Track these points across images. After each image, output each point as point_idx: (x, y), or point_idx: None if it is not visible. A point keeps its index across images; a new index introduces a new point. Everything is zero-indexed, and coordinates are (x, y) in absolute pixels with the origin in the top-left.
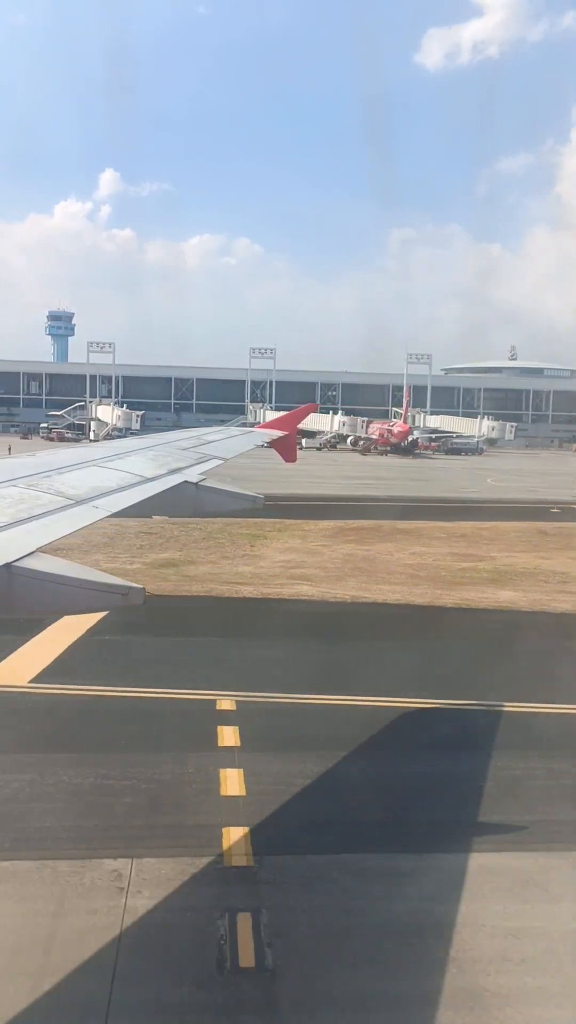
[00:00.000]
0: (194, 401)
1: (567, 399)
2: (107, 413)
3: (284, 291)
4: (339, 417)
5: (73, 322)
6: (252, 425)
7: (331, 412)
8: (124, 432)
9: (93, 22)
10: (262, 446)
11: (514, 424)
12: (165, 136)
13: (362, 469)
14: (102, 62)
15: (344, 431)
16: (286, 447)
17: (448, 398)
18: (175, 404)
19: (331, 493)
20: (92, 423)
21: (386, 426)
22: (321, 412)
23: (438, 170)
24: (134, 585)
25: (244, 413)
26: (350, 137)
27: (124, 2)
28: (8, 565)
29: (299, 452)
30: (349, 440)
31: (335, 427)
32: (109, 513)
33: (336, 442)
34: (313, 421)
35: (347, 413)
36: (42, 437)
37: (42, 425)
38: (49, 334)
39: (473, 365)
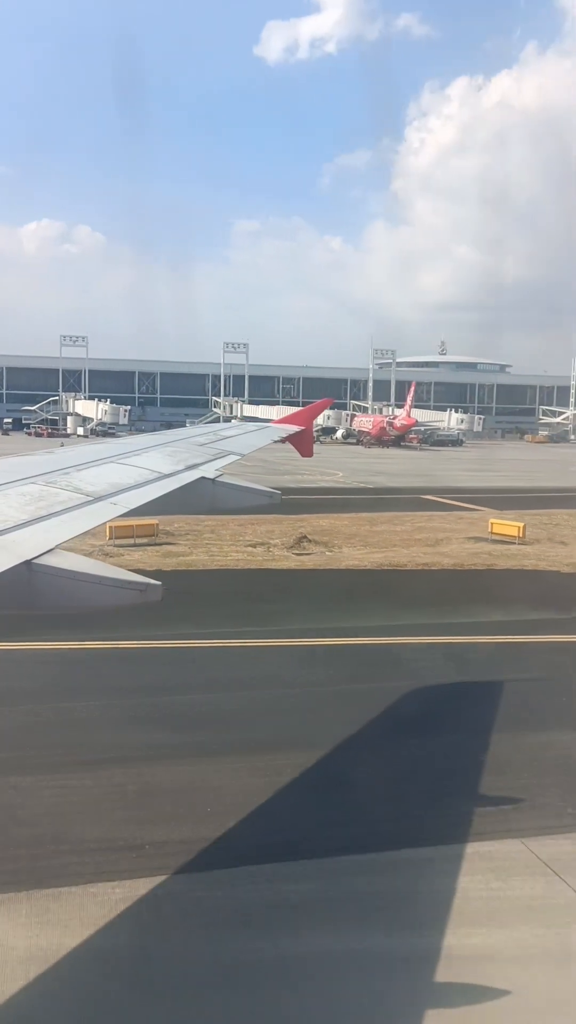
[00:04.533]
0: (158, 395)
1: (508, 392)
2: (90, 408)
3: (130, 280)
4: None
5: None
6: (228, 419)
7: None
8: (109, 428)
9: None
10: (278, 441)
11: (482, 417)
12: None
13: (421, 463)
14: None
15: (330, 424)
16: (303, 442)
17: (400, 391)
18: (139, 398)
19: (500, 485)
20: (69, 418)
21: (386, 419)
22: (287, 404)
23: (281, 163)
24: (152, 582)
25: (210, 407)
26: (192, 127)
27: None
28: (28, 562)
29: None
30: (339, 433)
31: (318, 420)
32: (127, 510)
33: (320, 435)
34: None
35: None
36: (27, 433)
37: (5, 421)
38: None
39: (409, 360)
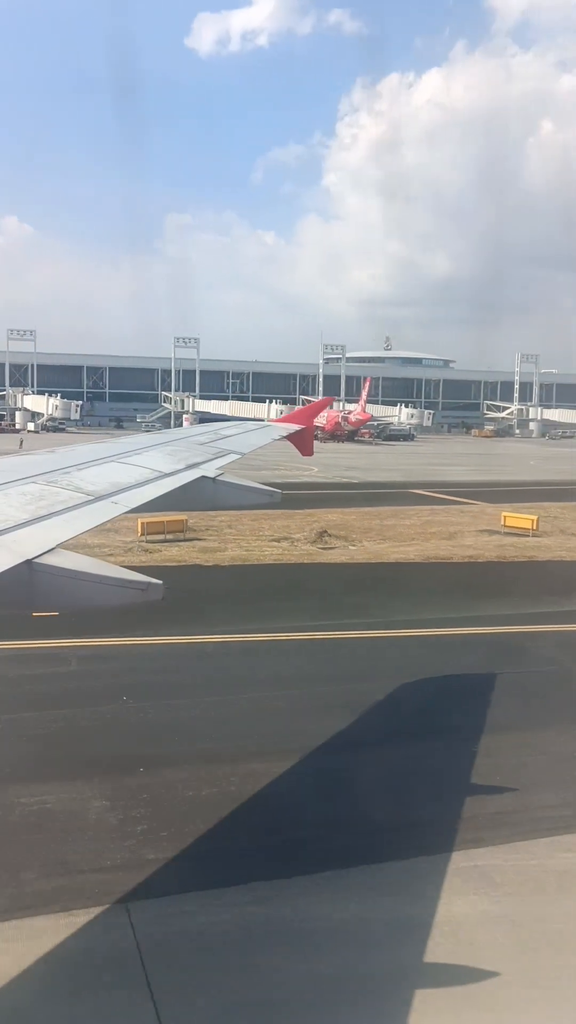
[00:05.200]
0: (107, 390)
1: (453, 387)
2: (40, 403)
3: (63, 273)
4: (276, 406)
5: None
6: (180, 414)
7: (267, 401)
8: (60, 423)
9: None
10: (278, 440)
11: (431, 412)
12: None
13: (385, 458)
14: None
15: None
16: (303, 441)
17: (348, 386)
18: (87, 393)
19: (476, 479)
20: (18, 413)
21: (340, 414)
22: (237, 399)
23: (214, 156)
24: (153, 581)
25: (159, 401)
26: (122, 117)
27: None
28: (29, 561)
29: None
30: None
31: (272, 414)
32: (128, 509)
33: None
34: (247, 410)
35: (256, 400)
36: None
37: None
38: None
39: (355, 355)
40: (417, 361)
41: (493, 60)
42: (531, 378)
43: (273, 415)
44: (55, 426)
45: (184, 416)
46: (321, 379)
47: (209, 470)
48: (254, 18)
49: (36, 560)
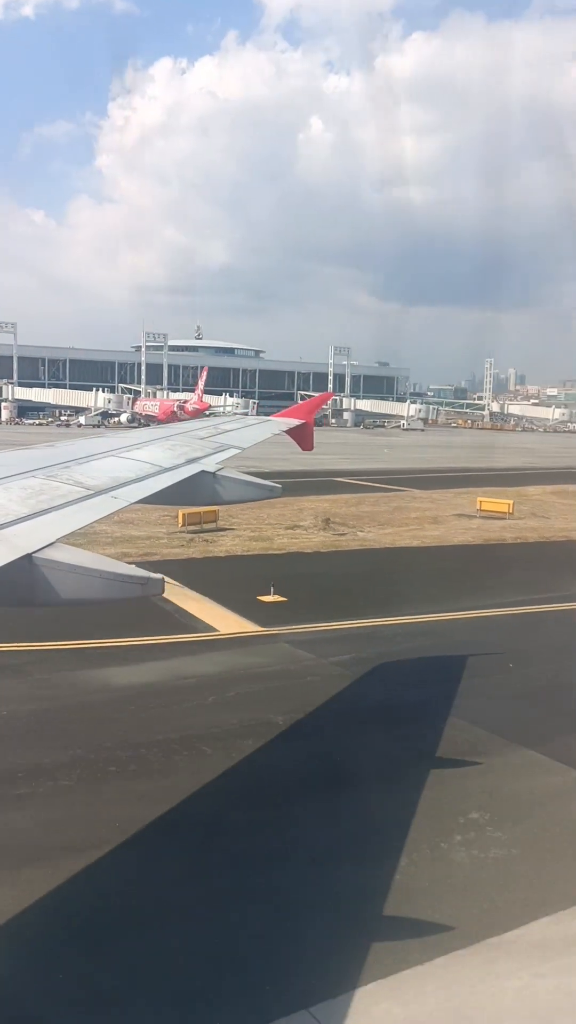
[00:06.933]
0: None
1: (267, 377)
2: None
3: None
4: (104, 394)
5: None
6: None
7: (94, 389)
8: None
9: None
10: (279, 434)
11: (255, 401)
12: None
13: (270, 448)
14: None
15: (111, 408)
16: (304, 435)
17: (160, 374)
18: None
19: (368, 468)
20: None
21: (175, 403)
22: (54, 387)
23: None
24: (153, 575)
25: None
26: None
27: None
28: (29, 556)
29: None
30: (124, 418)
31: (99, 403)
32: (128, 503)
33: (102, 420)
34: (72, 398)
35: (75, 388)
36: None
37: None
38: None
39: (169, 343)
40: (230, 351)
41: (264, 54)
42: (342, 369)
43: (100, 403)
44: None
45: (3, 404)
46: (143, 367)
47: (209, 465)
48: None
49: (36, 554)
